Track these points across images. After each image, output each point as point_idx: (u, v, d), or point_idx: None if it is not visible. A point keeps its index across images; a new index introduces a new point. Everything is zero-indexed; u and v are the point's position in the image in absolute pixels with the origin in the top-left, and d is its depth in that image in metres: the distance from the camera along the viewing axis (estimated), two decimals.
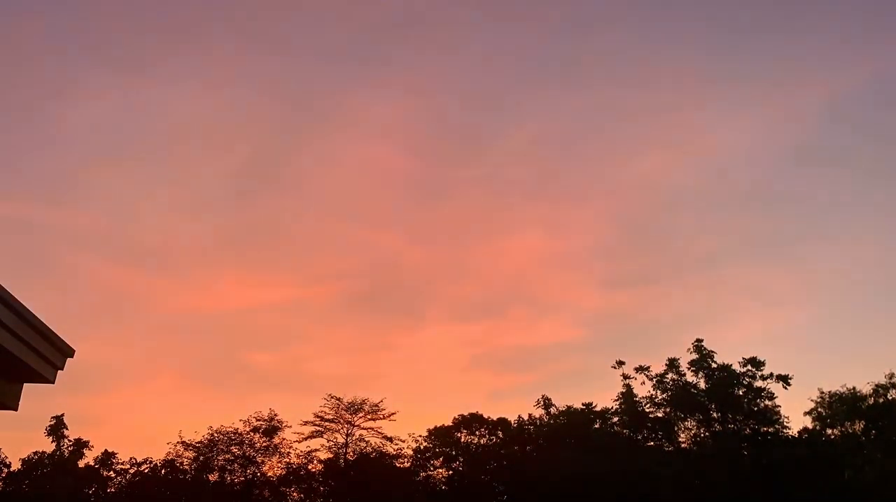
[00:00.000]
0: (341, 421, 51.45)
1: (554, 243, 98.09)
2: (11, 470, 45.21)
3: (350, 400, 51.55)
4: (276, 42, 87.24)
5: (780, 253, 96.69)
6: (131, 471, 50.00)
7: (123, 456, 50.51)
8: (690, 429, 48.66)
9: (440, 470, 55.64)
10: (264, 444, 50.08)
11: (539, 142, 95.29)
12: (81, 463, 46.90)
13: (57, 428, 46.37)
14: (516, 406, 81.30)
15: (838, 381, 76.41)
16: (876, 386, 47.18)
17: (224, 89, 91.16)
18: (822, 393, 50.61)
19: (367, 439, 51.41)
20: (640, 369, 48.82)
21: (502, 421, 57.62)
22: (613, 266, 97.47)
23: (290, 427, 51.21)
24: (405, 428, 61.51)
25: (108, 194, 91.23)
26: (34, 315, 5.78)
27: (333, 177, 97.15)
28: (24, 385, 6.59)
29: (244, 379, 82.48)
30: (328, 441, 51.55)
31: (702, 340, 48.56)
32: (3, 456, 45.16)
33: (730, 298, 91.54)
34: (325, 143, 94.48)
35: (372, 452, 50.68)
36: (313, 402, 54.98)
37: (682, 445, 48.42)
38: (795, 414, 77.14)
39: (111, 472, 50.09)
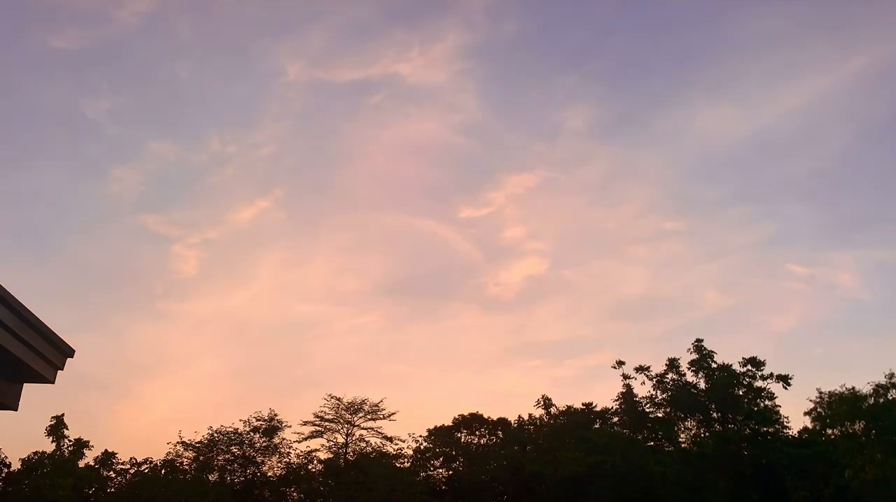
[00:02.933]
0: (341, 421, 51.48)
1: (600, 213, 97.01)
2: (11, 470, 45.17)
3: (350, 401, 51.63)
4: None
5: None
6: (131, 471, 50.03)
7: (124, 456, 50.71)
8: (690, 429, 48.65)
9: (440, 470, 55.67)
10: (264, 444, 50.08)
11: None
12: (81, 463, 46.86)
13: (57, 428, 46.28)
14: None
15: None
16: (876, 386, 47.08)
17: (270, 59, 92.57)
18: (822, 393, 50.55)
19: (367, 439, 51.49)
20: (640, 369, 48.82)
21: (502, 421, 57.70)
22: (657, 254, 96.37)
23: (290, 426, 51.30)
24: (432, 422, 60.63)
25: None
26: (34, 315, 5.78)
27: (378, 157, 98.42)
28: (24, 385, 6.60)
29: (261, 375, 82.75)
30: (328, 441, 51.63)
31: (702, 340, 48.57)
32: (3, 456, 45.14)
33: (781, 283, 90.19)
34: (372, 119, 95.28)
35: (372, 452, 50.68)
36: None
37: (682, 445, 48.40)
38: (795, 415, 76.94)
39: (111, 472, 50.11)
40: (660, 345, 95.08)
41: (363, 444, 51.22)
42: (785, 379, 46.81)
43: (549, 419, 55.20)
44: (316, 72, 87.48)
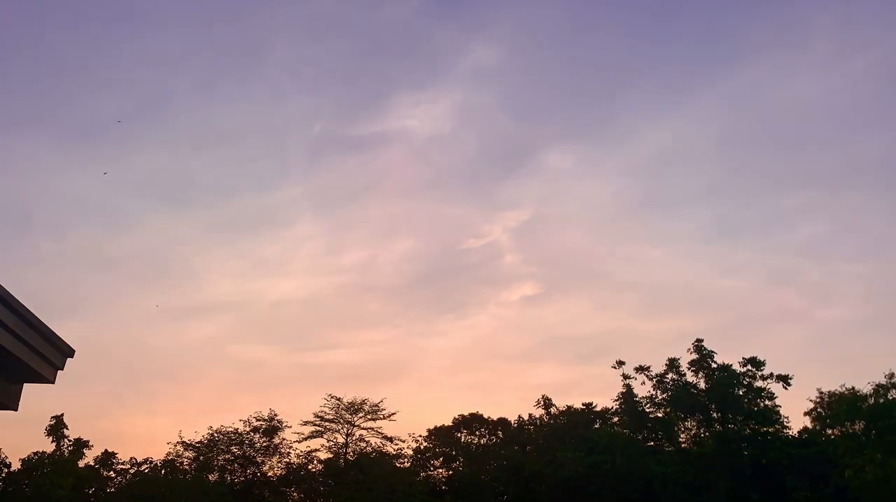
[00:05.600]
0: (341, 421, 51.49)
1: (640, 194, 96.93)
2: (11, 470, 45.17)
3: (350, 401, 51.65)
4: None
5: None
6: (131, 471, 50.04)
7: (124, 456, 50.73)
8: (690, 429, 48.66)
9: (440, 470, 55.69)
10: (264, 444, 50.08)
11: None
12: (81, 463, 46.86)
13: (57, 428, 46.26)
14: (584, 399, 69.76)
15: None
16: (876, 386, 47.04)
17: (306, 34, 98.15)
18: (822, 393, 50.52)
19: (367, 439, 51.49)
20: (640, 369, 48.85)
21: (502, 421, 57.70)
22: (704, 246, 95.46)
23: (290, 426, 51.33)
24: (432, 422, 60.53)
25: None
26: (34, 315, 5.78)
27: (391, 188, 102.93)
28: (24, 385, 6.60)
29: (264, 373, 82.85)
30: (328, 441, 51.64)
31: (702, 340, 48.57)
32: (3, 456, 45.13)
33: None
34: (385, 161, 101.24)
35: (372, 452, 50.68)
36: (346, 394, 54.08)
37: (682, 445, 48.42)
38: (796, 415, 76.75)
39: (111, 472, 50.11)
40: (661, 348, 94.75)
41: (363, 444, 51.29)
42: (785, 379, 46.81)
43: (549, 419, 55.21)
44: (338, 127, 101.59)
